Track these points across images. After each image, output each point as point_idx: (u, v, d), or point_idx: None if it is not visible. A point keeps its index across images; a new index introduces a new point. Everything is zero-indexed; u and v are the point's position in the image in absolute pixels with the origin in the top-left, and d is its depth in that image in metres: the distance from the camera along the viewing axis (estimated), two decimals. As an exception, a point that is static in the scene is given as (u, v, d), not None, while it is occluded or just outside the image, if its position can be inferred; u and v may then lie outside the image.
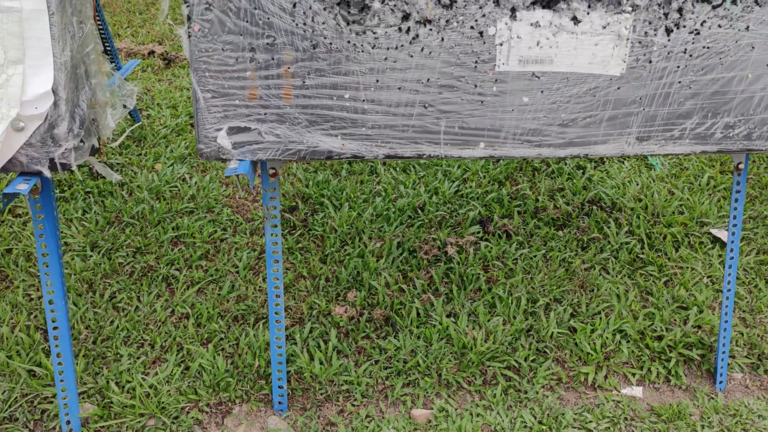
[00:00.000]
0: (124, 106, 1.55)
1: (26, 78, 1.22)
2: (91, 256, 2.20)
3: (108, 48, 2.27)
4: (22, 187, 1.31)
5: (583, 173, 2.70)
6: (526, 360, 1.88)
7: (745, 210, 2.51)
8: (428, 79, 1.40)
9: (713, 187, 2.65)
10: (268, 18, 1.31)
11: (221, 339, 1.93)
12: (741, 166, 1.67)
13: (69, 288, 2.06)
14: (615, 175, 2.68)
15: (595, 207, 2.50)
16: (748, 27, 1.44)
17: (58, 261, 1.50)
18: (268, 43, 1.33)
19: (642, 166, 2.79)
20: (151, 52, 3.38)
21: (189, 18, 1.30)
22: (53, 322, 1.55)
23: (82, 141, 1.33)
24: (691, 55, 1.45)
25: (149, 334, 1.93)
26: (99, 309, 2.00)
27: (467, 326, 1.97)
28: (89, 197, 2.46)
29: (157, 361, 1.86)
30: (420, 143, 1.45)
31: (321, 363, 1.85)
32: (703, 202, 2.53)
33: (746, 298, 2.13)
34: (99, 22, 2.11)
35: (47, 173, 1.33)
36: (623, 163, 2.80)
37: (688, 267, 2.23)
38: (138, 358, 1.86)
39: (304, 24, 1.33)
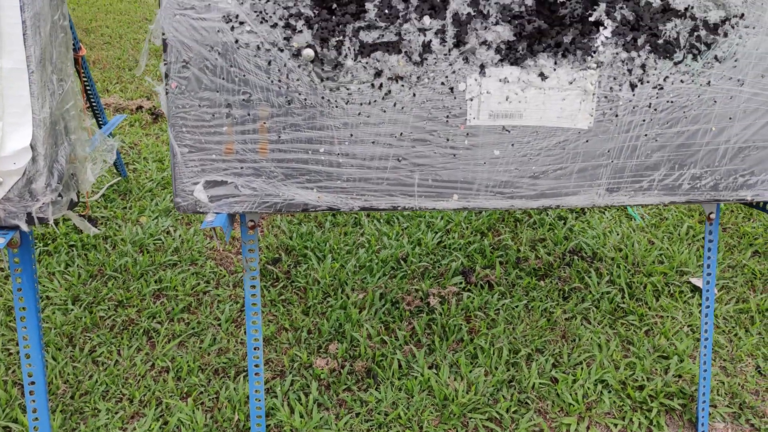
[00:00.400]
0: (105, 161, 1.57)
1: (5, 134, 1.25)
2: (72, 309, 2.19)
3: (94, 104, 2.32)
4: None
5: (564, 224, 2.74)
6: (507, 411, 1.87)
7: (723, 259, 2.54)
8: (401, 134, 1.44)
9: (692, 236, 2.68)
10: (244, 75, 1.36)
11: (201, 393, 1.91)
12: (712, 216, 1.70)
13: (48, 342, 2.05)
14: (596, 226, 2.71)
15: (576, 257, 2.53)
16: (709, 82, 1.49)
17: (36, 315, 1.50)
18: (244, 100, 1.37)
19: (622, 216, 2.83)
20: (139, 107, 3.44)
21: (167, 75, 1.34)
22: (29, 376, 1.54)
23: (60, 195, 1.35)
24: (655, 109, 1.49)
25: (128, 389, 1.91)
26: (78, 363, 1.99)
27: (449, 377, 1.96)
28: (72, 251, 2.46)
29: (136, 416, 1.84)
30: (395, 195, 1.48)
31: (301, 416, 1.83)
32: (682, 251, 2.56)
33: (726, 347, 2.14)
34: (85, 79, 2.16)
35: (25, 227, 1.34)
36: (604, 213, 2.84)
37: (668, 316, 2.24)
38: (116, 413, 1.83)
39: (279, 81, 1.37)
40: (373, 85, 1.40)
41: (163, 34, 1.32)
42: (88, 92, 2.24)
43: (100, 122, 2.43)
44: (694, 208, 2.87)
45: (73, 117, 1.39)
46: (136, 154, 3.10)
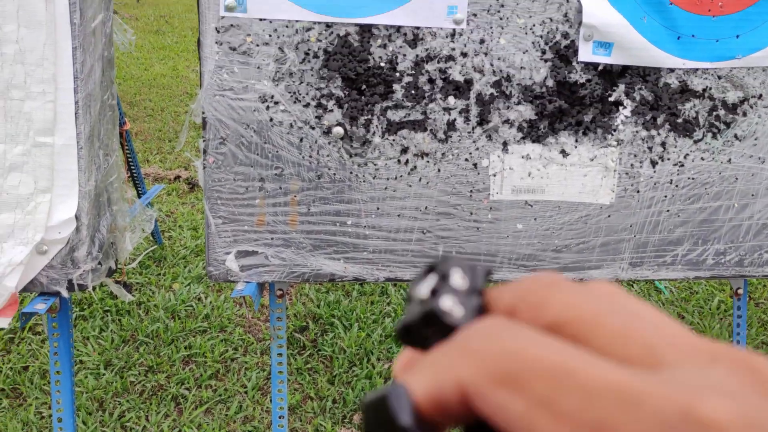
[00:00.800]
0: (143, 230, 1.65)
1: (52, 205, 1.33)
2: (104, 374, 2.24)
3: (135, 175, 2.43)
4: (40, 306, 1.38)
5: (593, 296, 2.72)
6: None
7: (756, 335, 2.49)
8: (426, 207, 1.49)
9: (723, 311, 2.64)
10: (277, 151, 1.43)
11: (225, 461, 1.91)
12: (740, 291, 1.69)
13: (80, 406, 2.08)
14: (625, 298, 2.69)
15: (604, 330, 2.50)
16: (730, 160, 1.52)
17: (70, 379, 1.54)
18: (276, 174, 1.44)
19: (650, 289, 2.80)
20: (177, 177, 3.57)
21: (205, 151, 1.42)
22: (58, 440, 1.57)
23: (99, 263, 1.42)
24: (677, 186, 1.52)
25: (153, 455, 1.92)
26: (107, 428, 2.01)
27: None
28: (107, 316, 2.53)
29: (159, 483, 1.85)
30: (419, 267, 1.51)
31: (324, 489, 1.82)
32: (713, 326, 2.52)
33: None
34: (128, 152, 2.28)
35: (65, 293, 1.40)
36: (632, 285, 2.82)
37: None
38: (140, 480, 1.84)
39: (310, 156, 1.44)
40: (399, 161, 1.46)
41: (203, 113, 1.40)
42: (130, 164, 2.36)
43: (140, 192, 2.53)
44: (725, 282, 2.83)
45: (115, 189, 1.47)
46: (172, 222, 3.20)
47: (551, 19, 1.43)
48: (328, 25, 1.39)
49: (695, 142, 1.51)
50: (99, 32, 1.40)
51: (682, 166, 1.51)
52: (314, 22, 1.38)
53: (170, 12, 7.03)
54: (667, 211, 1.53)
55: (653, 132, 1.49)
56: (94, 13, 1.37)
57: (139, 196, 2.56)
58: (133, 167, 2.36)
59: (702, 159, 1.51)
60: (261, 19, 1.37)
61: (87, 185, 1.35)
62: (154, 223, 2.91)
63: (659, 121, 1.49)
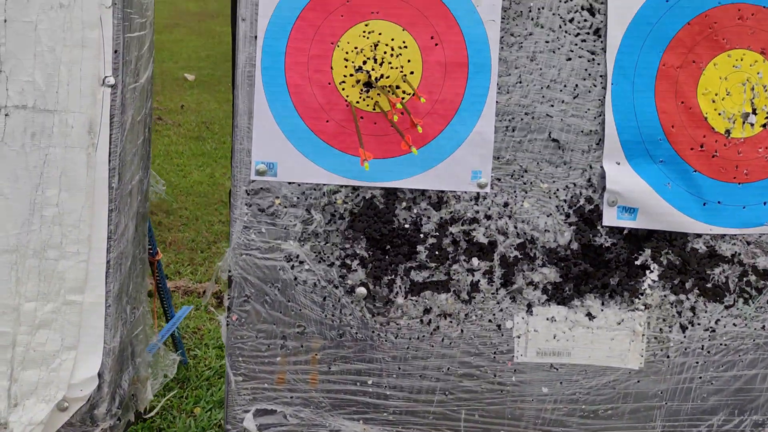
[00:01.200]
0: (165, 376, 1.65)
1: (76, 363, 1.34)
2: None
3: (165, 305, 2.46)
4: (56, 462, 1.37)
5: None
6: None
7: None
8: (448, 368, 1.46)
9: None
10: (300, 309, 1.44)
11: None
12: (782, 458, 1.60)
13: None
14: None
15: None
16: (764, 326, 1.47)
17: None
18: (298, 332, 1.44)
19: None
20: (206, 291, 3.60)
21: (229, 308, 1.43)
22: None
23: (119, 419, 1.41)
24: (709, 352, 1.48)
25: None
26: None
27: None
28: (126, 442, 2.49)
29: None
30: (440, 429, 1.47)
31: None
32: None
33: None
34: (158, 281, 2.32)
35: (82, 449, 1.39)
36: None
37: None
38: None
39: (333, 315, 1.44)
40: (422, 320, 1.45)
41: (230, 271, 1.43)
42: (161, 294, 2.39)
43: (168, 317, 2.56)
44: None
45: (140, 341, 1.48)
46: (198, 340, 3.20)
47: (575, 184, 1.45)
48: (355, 188, 1.42)
49: (726, 307, 1.47)
50: (135, 191, 1.46)
51: (714, 331, 1.47)
52: (341, 186, 1.42)
53: (211, 118, 7.35)
54: (700, 378, 1.48)
55: (682, 296, 1.47)
56: (132, 174, 1.43)
57: (167, 320, 2.57)
58: (163, 298, 2.40)
59: (734, 325, 1.47)
60: (290, 183, 1.41)
61: (112, 342, 1.37)
62: (179, 341, 2.91)
63: (688, 285, 1.47)
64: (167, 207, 4.98)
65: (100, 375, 1.35)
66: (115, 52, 1.33)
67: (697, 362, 1.48)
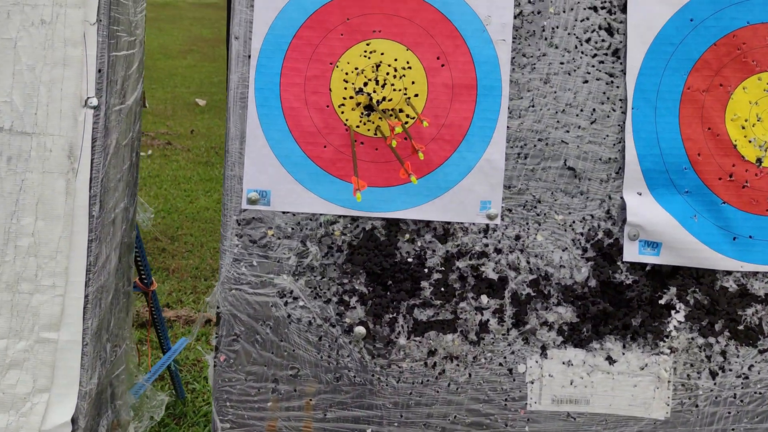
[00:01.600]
0: (152, 418, 1.53)
1: (49, 407, 1.24)
2: None
3: (161, 335, 2.36)
4: None
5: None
6: None
7: None
8: (455, 416, 1.34)
9: None
10: (294, 350, 1.32)
11: None
12: None
13: None
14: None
15: None
16: (801, 373, 1.34)
17: None
18: (291, 375, 1.33)
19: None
20: (208, 321, 3.49)
21: (217, 348, 1.32)
22: None
23: (94, 468, 1.30)
24: (742, 401, 1.34)
25: None
26: None
27: None
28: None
29: None
30: (446, 484, 1.34)
31: None
32: None
33: None
34: (154, 312, 2.22)
35: (53, 501, 1.28)
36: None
37: None
38: None
39: (329, 356, 1.33)
40: (426, 363, 1.33)
41: (218, 307, 1.32)
42: (156, 326, 2.29)
43: (164, 349, 2.45)
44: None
45: (121, 381, 1.37)
46: (197, 372, 3.09)
47: (593, 216, 1.33)
48: (354, 219, 1.32)
49: (760, 351, 1.34)
50: (120, 220, 1.36)
51: (747, 378, 1.34)
52: (339, 216, 1.31)
53: (221, 143, 7.30)
54: (732, 429, 1.35)
55: (711, 339, 1.34)
56: (116, 202, 1.33)
57: (163, 353, 2.47)
58: (159, 329, 2.30)
59: (769, 371, 1.34)
60: (284, 212, 1.31)
61: (88, 384, 1.26)
62: (176, 375, 2.80)
63: (717, 327, 1.34)
64: (172, 233, 4.90)
65: (74, 421, 1.24)
66: (99, 71, 1.24)
67: (729, 412, 1.34)
